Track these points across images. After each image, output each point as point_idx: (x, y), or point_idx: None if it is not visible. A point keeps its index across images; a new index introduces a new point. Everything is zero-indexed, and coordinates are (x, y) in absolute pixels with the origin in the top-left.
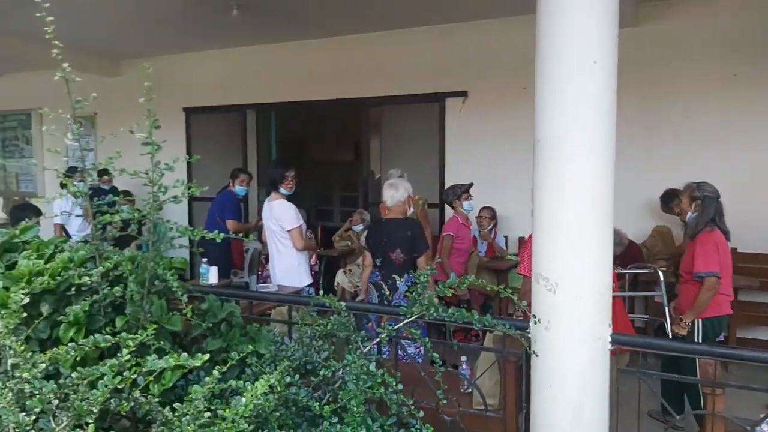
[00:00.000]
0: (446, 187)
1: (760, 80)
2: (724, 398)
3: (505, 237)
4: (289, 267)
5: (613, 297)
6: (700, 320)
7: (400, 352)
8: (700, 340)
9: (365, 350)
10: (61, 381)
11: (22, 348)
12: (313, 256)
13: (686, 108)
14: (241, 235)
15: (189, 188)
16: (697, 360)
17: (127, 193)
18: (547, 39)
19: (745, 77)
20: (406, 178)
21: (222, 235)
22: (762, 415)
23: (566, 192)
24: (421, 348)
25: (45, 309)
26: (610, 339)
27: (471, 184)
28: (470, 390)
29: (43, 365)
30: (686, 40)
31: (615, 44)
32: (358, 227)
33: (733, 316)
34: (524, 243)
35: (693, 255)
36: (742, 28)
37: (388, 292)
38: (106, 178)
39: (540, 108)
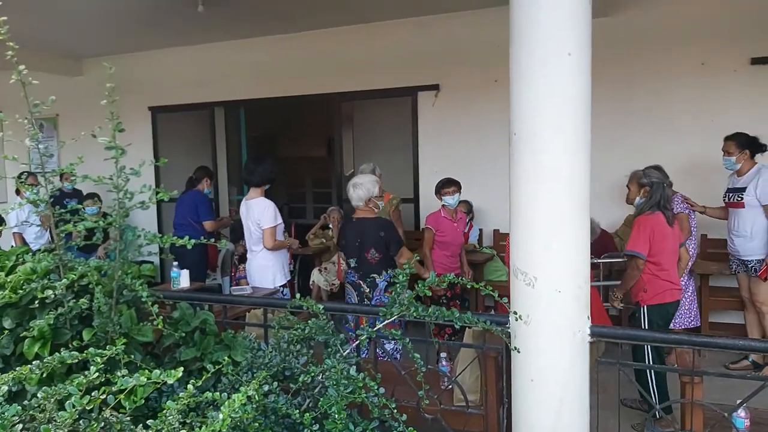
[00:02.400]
0: (419, 181)
1: (726, 68)
2: (702, 386)
3: (480, 229)
4: (261, 266)
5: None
6: (644, 307)
7: (378, 350)
8: (646, 328)
9: (345, 353)
10: (25, 402)
11: None
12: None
13: (656, 96)
14: (213, 239)
15: (157, 193)
16: (646, 347)
17: (91, 196)
18: (520, 32)
19: (712, 65)
20: (378, 172)
21: (193, 241)
22: (738, 401)
23: (543, 185)
24: (399, 344)
25: (7, 324)
26: (589, 331)
27: (448, 181)
28: (451, 386)
29: (5, 387)
30: (655, 29)
31: (589, 36)
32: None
33: (706, 301)
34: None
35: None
36: (709, 18)
37: (367, 290)
38: (70, 177)
39: (515, 101)
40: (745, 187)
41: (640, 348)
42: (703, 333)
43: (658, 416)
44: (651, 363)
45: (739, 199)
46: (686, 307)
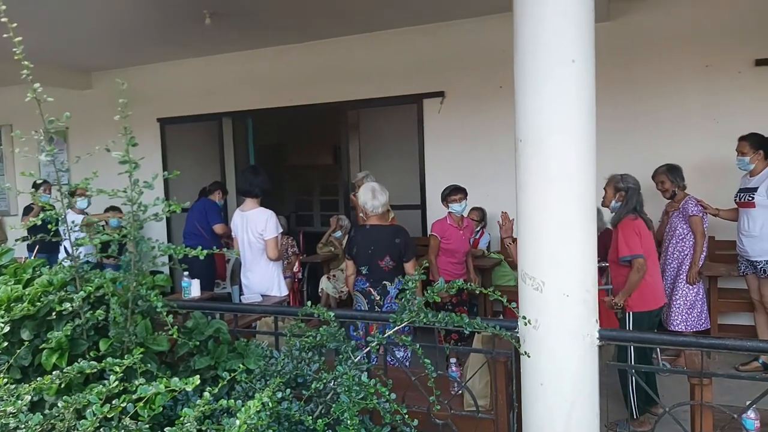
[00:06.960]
0: (425, 188)
1: (731, 70)
2: (711, 387)
3: (489, 235)
4: (266, 277)
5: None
6: (630, 313)
7: (388, 357)
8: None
9: (356, 360)
10: (47, 411)
11: (5, 381)
12: (296, 264)
13: (660, 99)
14: (224, 249)
15: (170, 205)
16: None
17: (113, 209)
18: (524, 39)
19: (717, 67)
20: (372, 179)
21: (206, 251)
22: (747, 402)
23: (549, 191)
24: (409, 351)
25: (26, 335)
26: (598, 335)
27: (455, 188)
28: (461, 392)
29: (28, 397)
30: (658, 32)
31: (592, 42)
32: (337, 234)
33: (714, 303)
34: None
35: (617, 241)
36: (713, 20)
37: (378, 297)
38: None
39: (520, 108)
40: (757, 187)
41: (624, 349)
42: (712, 335)
43: (634, 416)
44: (633, 364)
45: (750, 199)
46: (697, 310)
